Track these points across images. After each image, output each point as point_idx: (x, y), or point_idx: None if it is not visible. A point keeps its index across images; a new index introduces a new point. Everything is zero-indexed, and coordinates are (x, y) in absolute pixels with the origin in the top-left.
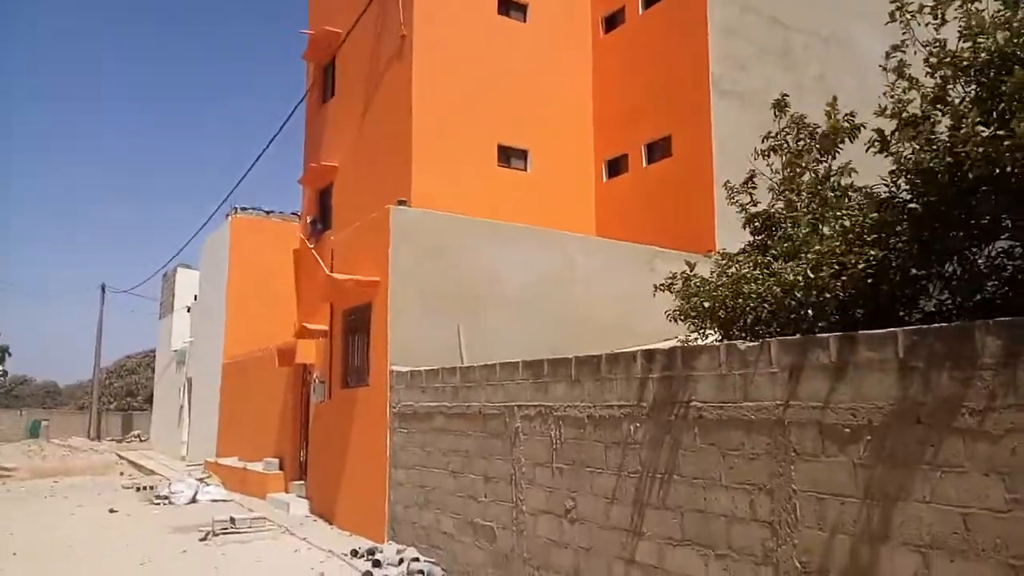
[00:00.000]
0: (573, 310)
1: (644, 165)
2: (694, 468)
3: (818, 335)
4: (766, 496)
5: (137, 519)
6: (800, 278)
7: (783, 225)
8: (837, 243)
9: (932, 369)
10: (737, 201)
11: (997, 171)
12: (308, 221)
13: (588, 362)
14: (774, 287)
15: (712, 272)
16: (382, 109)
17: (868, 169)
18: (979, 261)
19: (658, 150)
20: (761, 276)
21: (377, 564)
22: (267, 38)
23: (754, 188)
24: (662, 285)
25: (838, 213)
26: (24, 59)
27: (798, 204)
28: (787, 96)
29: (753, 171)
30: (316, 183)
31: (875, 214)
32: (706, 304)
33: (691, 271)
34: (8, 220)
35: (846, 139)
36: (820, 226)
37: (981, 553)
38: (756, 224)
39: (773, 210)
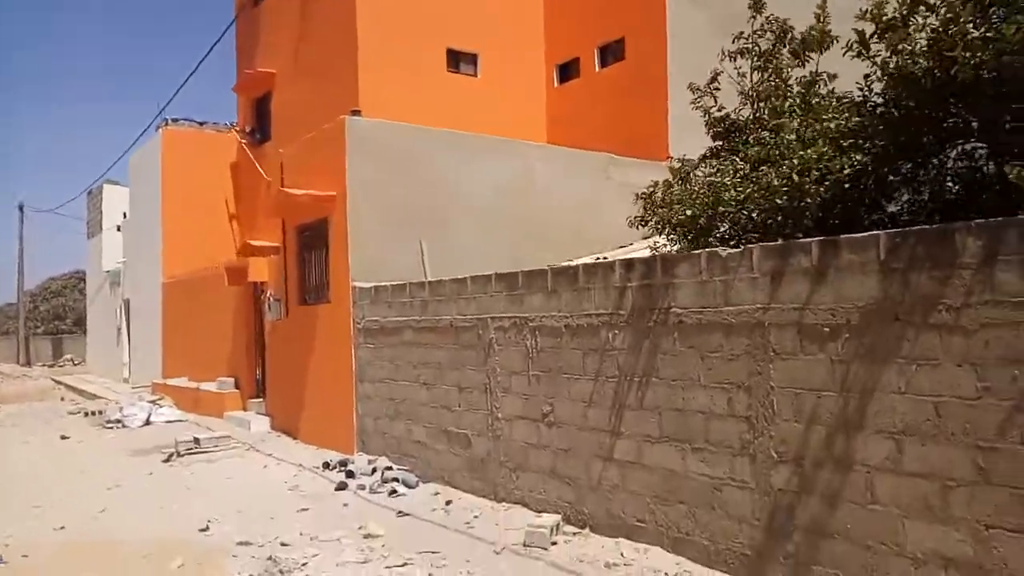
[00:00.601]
0: (532, 219)
1: (596, 69)
2: (673, 371)
3: (799, 240)
4: (744, 393)
5: (92, 444)
6: (785, 183)
7: (749, 129)
8: (824, 148)
9: (912, 270)
10: (702, 104)
11: (984, 74)
12: (246, 131)
13: (565, 273)
14: (754, 193)
15: (674, 178)
16: (324, 11)
17: (842, 75)
18: (947, 164)
19: (611, 53)
20: (741, 182)
21: (351, 474)
22: None
23: (718, 90)
24: (642, 194)
25: (824, 117)
26: None
27: (781, 107)
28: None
29: (717, 72)
30: (252, 91)
31: (857, 118)
32: (688, 213)
33: (670, 182)
34: None
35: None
36: (804, 131)
37: (951, 437)
38: (719, 128)
39: (741, 114)
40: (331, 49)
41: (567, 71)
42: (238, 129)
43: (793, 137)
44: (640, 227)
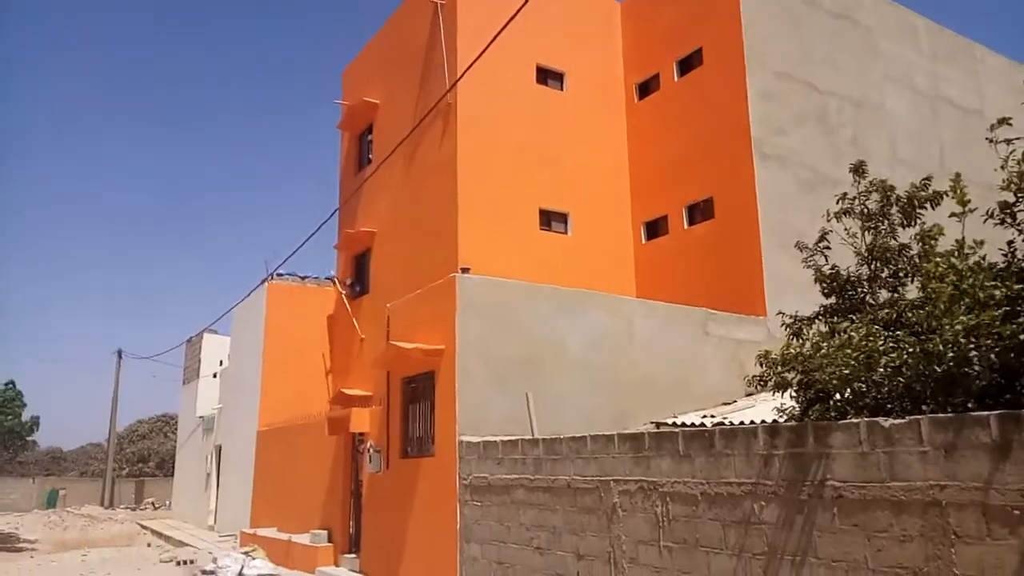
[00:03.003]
0: (631, 373)
1: (685, 227)
2: (833, 550)
3: (974, 413)
4: None
5: None
6: (951, 349)
7: (862, 288)
8: (996, 313)
9: None
10: (813, 262)
11: None
12: (346, 284)
13: (698, 436)
14: (910, 359)
15: (788, 337)
16: (424, 175)
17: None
18: None
19: (699, 212)
20: (896, 347)
21: None
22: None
23: (828, 249)
24: (775, 357)
25: (987, 284)
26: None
27: (929, 270)
28: (864, 162)
29: (826, 231)
30: (352, 248)
31: (1019, 284)
32: (842, 374)
33: (799, 341)
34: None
35: (928, 206)
36: (961, 296)
37: None
38: (832, 286)
39: (856, 273)
40: (431, 209)
41: (655, 228)
42: (338, 280)
43: (946, 300)
44: (759, 387)
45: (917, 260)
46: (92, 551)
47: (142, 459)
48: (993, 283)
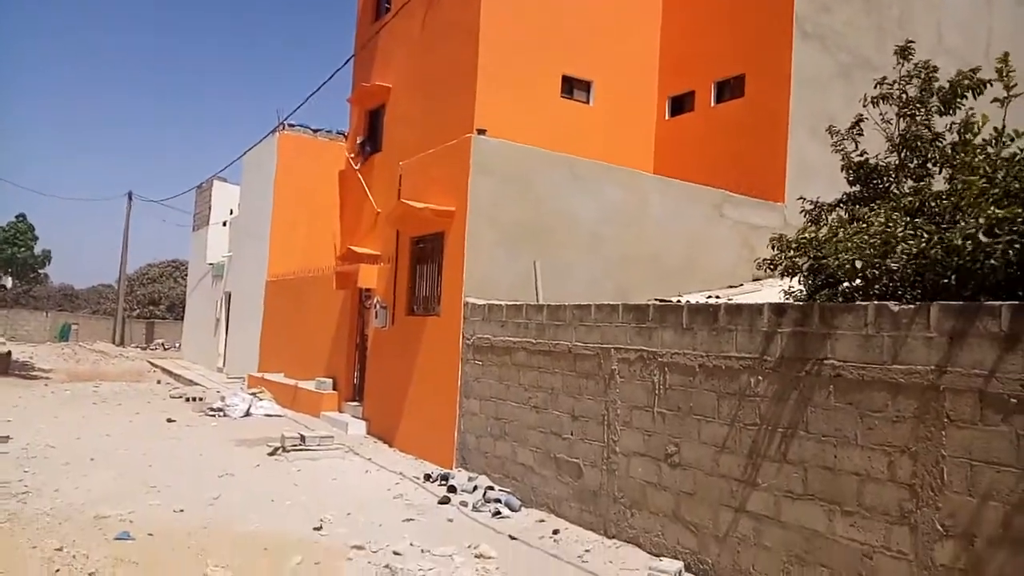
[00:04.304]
0: (641, 249)
1: (712, 104)
2: (825, 426)
3: (986, 302)
4: (908, 459)
5: (198, 430)
6: (970, 242)
7: (888, 178)
8: (1019, 208)
9: None
10: (843, 148)
11: None
12: (357, 142)
13: (703, 310)
14: (928, 249)
15: (807, 222)
16: (444, 32)
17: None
18: None
19: (728, 89)
20: (915, 235)
21: (452, 489)
22: None
23: (860, 135)
24: (789, 241)
25: (1022, 175)
26: None
27: (963, 160)
28: (912, 43)
29: (861, 116)
30: (366, 103)
31: None
32: (841, 261)
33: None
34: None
35: (970, 94)
36: (991, 188)
37: None
38: (859, 174)
39: (887, 161)
40: (450, 68)
41: (680, 104)
42: (348, 139)
43: (976, 193)
44: (769, 271)
45: (950, 151)
46: (104, 383)
47: (152, 302)
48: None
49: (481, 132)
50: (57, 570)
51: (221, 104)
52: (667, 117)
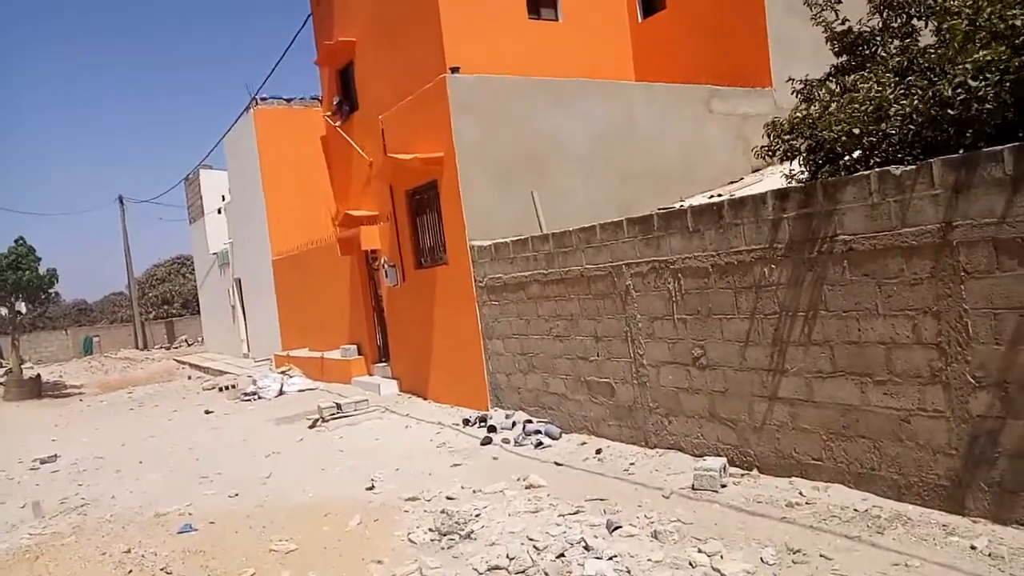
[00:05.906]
0: (636, 162)
1: None
2: (844, 302)
3: (987, 149)
4: (932, 319)
5: (237, 416)
6: (959, 91)
7: (874, 42)
8: (1003, 48)
9: None
10: (822, 19)
11: None
12: (334, 103)
13: (707, 210)
14: (921, 105)
15: (799, 102)
16: None
17: None
18: None
19: None
20: (907, 94)
21: (492, 429)
22: None
23: (839, 2)
24: (786, 121)
25: (1006, 13)
26: None
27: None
28: None
29: None
30: (334, 62)
31: None
32: (855, 131)
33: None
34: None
35: None
36: (976, 31)
37: None
38: (844, 43)
39: (869, 24)
40: (411, 7)
41: (651, 3)
42: (324, 102)
43: (961, 39)
44: (767, 159)
45: (932, 1)
46: (136, 388)
47: (166, 301)
48: (1013, 12)
49: (455, 70)
50: (130, 571)
51: (194, 92)
52: (640, 19)
